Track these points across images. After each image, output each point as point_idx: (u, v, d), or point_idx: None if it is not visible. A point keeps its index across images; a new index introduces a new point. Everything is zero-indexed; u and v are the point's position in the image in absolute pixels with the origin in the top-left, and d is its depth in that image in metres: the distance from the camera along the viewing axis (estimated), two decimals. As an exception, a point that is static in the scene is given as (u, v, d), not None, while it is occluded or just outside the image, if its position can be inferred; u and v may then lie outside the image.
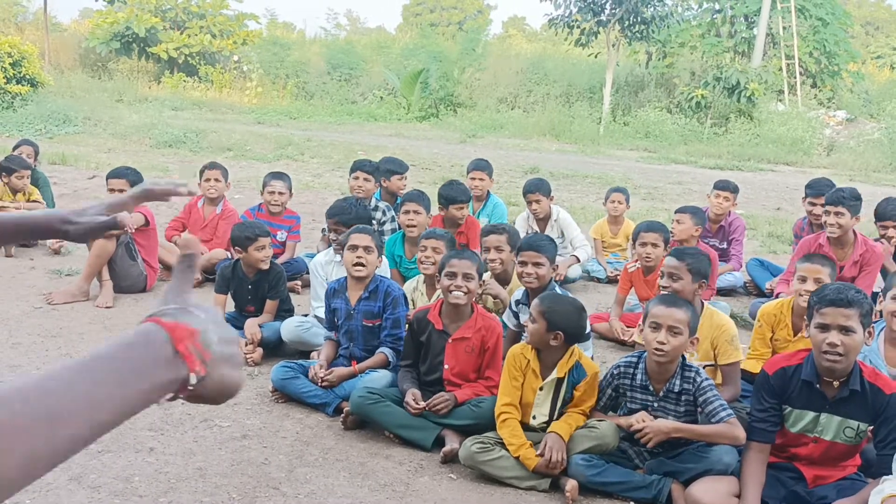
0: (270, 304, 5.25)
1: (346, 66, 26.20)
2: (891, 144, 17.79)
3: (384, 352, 4.39)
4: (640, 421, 3.52)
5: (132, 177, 6.05)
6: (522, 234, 6.12)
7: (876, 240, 6.05)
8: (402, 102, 23.87)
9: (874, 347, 3.82)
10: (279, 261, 6.43)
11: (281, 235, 6.69)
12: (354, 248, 4.45)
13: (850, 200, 5.75)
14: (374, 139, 17.27)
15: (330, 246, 5.45)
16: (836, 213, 5.72)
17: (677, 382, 3.55)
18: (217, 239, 6.76)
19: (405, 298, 4.67)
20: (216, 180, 6.82)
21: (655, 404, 3.62)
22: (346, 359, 4.53)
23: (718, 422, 3.43)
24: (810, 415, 3.34)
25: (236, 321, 5.20)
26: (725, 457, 3.40)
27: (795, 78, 21.40)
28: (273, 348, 5.05)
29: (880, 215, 6.02)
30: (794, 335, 4.36)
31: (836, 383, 3.27)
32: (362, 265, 4.44)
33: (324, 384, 4.24)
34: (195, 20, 25.73)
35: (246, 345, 4.91)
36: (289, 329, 5.01)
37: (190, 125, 16.78)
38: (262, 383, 4.58)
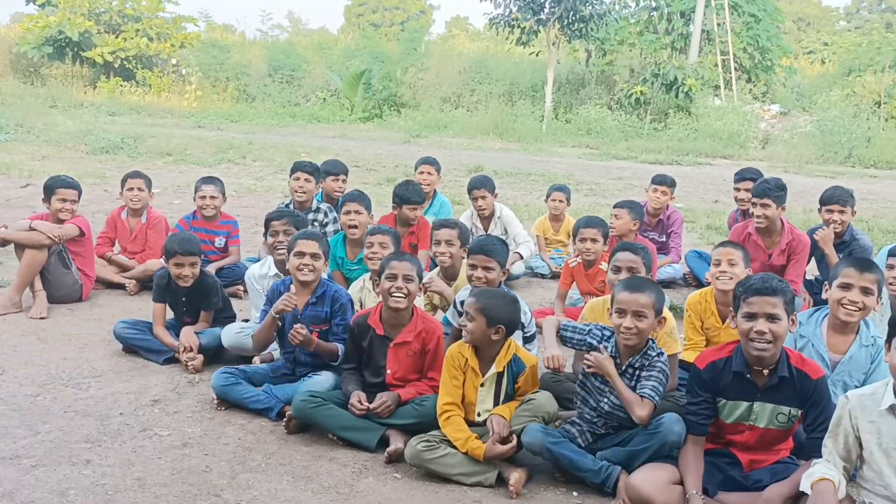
0: (206, 315, 5.17)
1: (288, 68, 25.95)
2: (822, 136, 18.31)
3: (338, 345, 4.36)
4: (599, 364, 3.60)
5: (79, 187, 6.10)
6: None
7: (818, 226, 6.22)
8: (346, 103, 23.75)
9: (817, 334, 3.91)
10: (219, 265, 6.36)
11: (219, 242, 6.59)
12: (301, 254, 4.40)
13: (776, 191, 5.91)
14: (317, 141, 17.15)
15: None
16: (763, 205, 5.88)
17: (638, 358, 3.62)
18: (149, 249, 6.61)
19: (352, 304, 4.64)
20: (139, 189, 6.62)
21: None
22: (290, 363, 4.49)
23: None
24: (744, 405, 3.42)
25: (175, 329, 5.11)
26: (676, 426, 3.46)
27: (731, 73, 21.89)
28: (214, 354, 4.98)
29: (825, 200, 6.16)
30: (722, 322, 4.47)
31: (765, 372, 3.35)
32: (310, 271, 4.40)
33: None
34: (131, 23, 25.15)
35: (183, 352, 4.83)
36: (229, 335, 4.94)
37: (127, 130, 16.43)
38: (203, 390, 4.51)
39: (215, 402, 4.29)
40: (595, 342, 3.72)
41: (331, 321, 4.44)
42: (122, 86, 23.89)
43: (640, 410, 3.49)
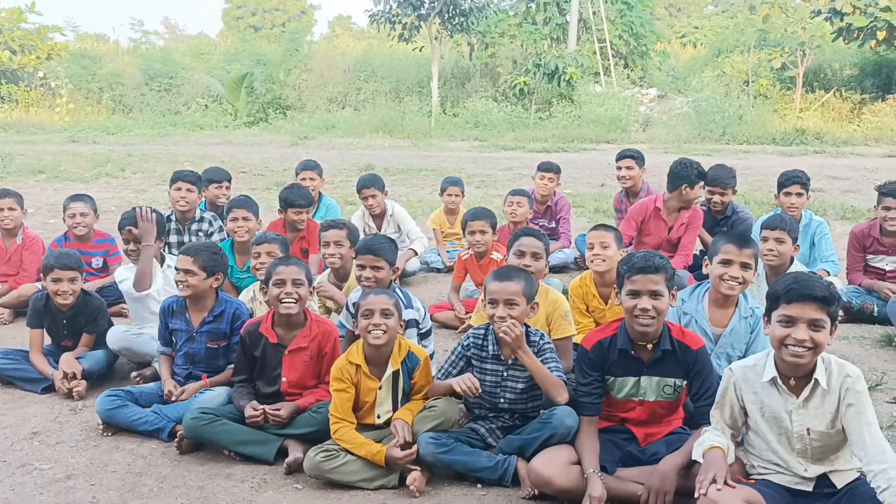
0: (87, 338, 4.89)
1: (165, 76, 25.10)
2: (698, 116, 19.09)
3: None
4: (510, 328, 3.53)
5: None
6: (359, 232, 6.07)
7: (701, 204, 6.49)
8: (229, 109, 23.15)
9: (700, 309, 4.03)
10: (99, 285, 6.04)
11: (96, 262, 6.25)
12: (177, 269, 4.24)
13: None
14: (200, 149, 16.63)
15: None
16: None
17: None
18: (24, 272, 6.23)
19: (251, 317, 4.49)
20: (10, 209, 6.24)
21: (506, 373, 3.70)
22: (185, 380, 4.31)
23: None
24: (631, 380, 3.50)
25: (53, 356, 4.83)
26: (567, 419, 3.50)
27: (609, 60, 22.53)
28: (98, 378, 4.72)
29: (710, 180, 6.40)
30: (605, 302, 4.57)
31: (649, 346, 3.45)
32: (186, 286, 4.24)
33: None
34: (-10, 36, 23.74)
35: (63, 379, 4.56)
36: (116, 337, 4.74)
37: (-6, 149, 15.49)
38: (87, 417, 4.28)
39: (101, 427, 4.07)
40: (471, 352, 3.73)
41: (230, 338, 4.30)
42: (-15, 102, 22.55)
43: (559, 389, 3.55)
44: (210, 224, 6.35)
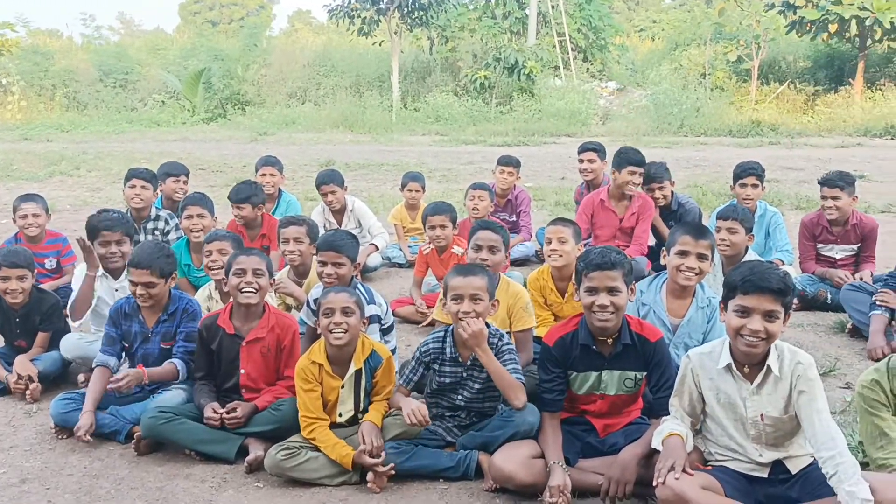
0: (42, 338, 4.77)
1: (120, 72, 24.69)
2: (656, 109, 19.31)
3: (174, 362, 4.11)
4: (470, 323, 3.51)
5: None
6: (320, 228, 6.03)
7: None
8: (186, 105, 22.85)
9: (658, 300, 4.07)
10: (53, 287, 5.90)
11: (49, 263, 6.10)
12: (133, 283, 4.13)
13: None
14: (157, 146, 16.40)
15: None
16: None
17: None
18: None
19: (202, 313, 4.40)
20: None
21: (464, 374, 3.69)
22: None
23: None
24: (593, 375, 3.52)
25: (6, 357, 4.71)
26: (529, 417, 3.52)
27: (568, 54, 22.67)
28: (54, 380, 4.63)
29: (646, 178, 6.46)
30: (562, 296, 4.60)
31: (609, 341, 3.48)
32: (147, 297, 4.14)
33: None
34: (-64, 33, 23.15)
35: (17, 382, 4.46)
36: (69, 346, 4.62)
37: (-58, 148, 15.12)
38: (42, 420, 4.18)
39: (54, 430, 3.99)
40: (430, 358, 3.72)
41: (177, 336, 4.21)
42: (-68, 101, 21.98)
43: (517, 391, 3.52)
44: (166, 222, 6.25)
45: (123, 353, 4.28)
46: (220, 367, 4.03)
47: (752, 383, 3.06)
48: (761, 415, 3.06)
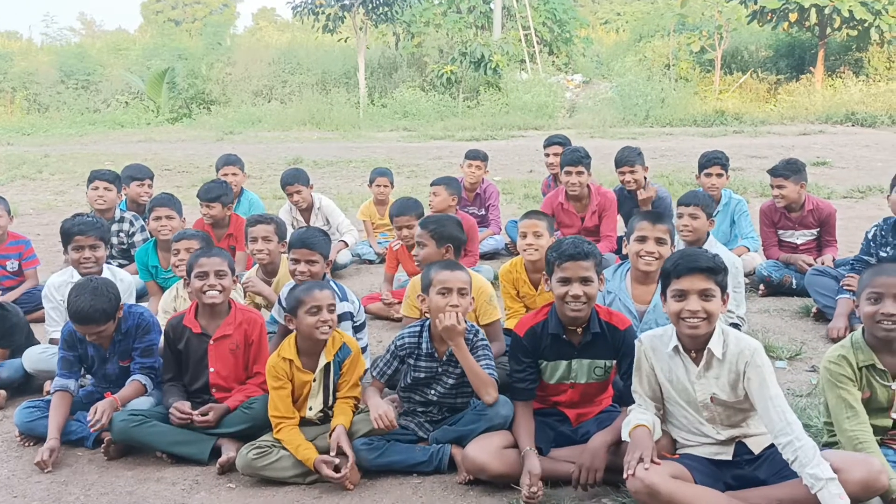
0: (1, 352, 4.65)
1: (82, 73, 24.28)
2: (622, 101, 19.45)
3: (137, 379, 4.00)
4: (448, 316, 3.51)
5: None
6: (287, 227, 5.99)
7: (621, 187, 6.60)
8: (150, 105, 22.55)
9: (622, 288, 4.12)
10: (15, 293, 5.80)
11: (11, 265, 5.98)
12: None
13: (586, 158, 6.22)
14: (122, 147, 16.17)
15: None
16: (577, 172, 6.16)
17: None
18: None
19: (157, 325, 4.23)
20: None
21: (439, 369, 3.69)
22: (103, 386, 4.12)
23: None
24: (563, 364, 3.55)
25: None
26: (502, 409, 3.53)
27: (534, 47, 22.74)
28: (18, 388, 4.55)
29: (617, 162, 6.54)
30: (535, 289, 4.62)
31: (579, 330, 3.50)
32: (97, 339, 4.00)
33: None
34: None
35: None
36: (32, 358, 4.52)
37: None
38: (8, 428, 4.11)
39: (19, 438, 3.93)
40: (405, 352, 3.71)
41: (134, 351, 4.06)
42: None
43: (490, 388, 3.53)
44: (131, 224, 6.19)
45: (84, 372, 4.13)
46: (188, 367, 4.00)
47: (698, 366, 3.12)
48: (711, 397, 3.12)
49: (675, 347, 3.14)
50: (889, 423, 3.25)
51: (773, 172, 6.05)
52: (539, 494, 3.20)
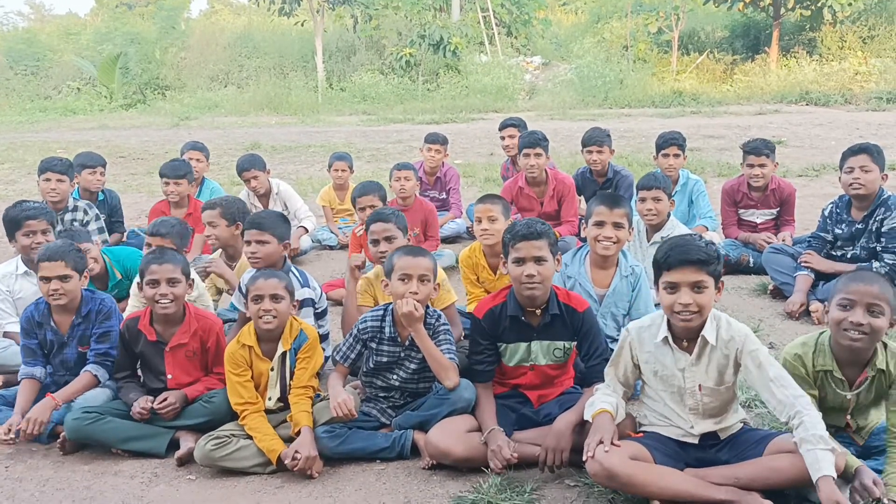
0: None
1: (31, 59, 23.71)
2: (581, 83, 19.49)
3: (90, 370, 3.91)
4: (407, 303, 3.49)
5: None
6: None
7: (585, 168, 6.67)
8: (103, 91, 22.07)
9: (582, 272, 4.13)
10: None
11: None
12: (46, 279, 3.88)
13: (544, 141, 6.21)
14: (74, 134, 15.80)
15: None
16: (535, 154, 6.15)
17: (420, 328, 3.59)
18: None
19: (118, 313, 4.15)
20: None
21: (402, 354, 3.67)
22: (59, 380, 4.03)
23: None
24: (523, 346, 3.55)
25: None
26: (465, 393, 3.52)
27: (492, 29, 22.67)
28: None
29: (584, 141, 6.57)
30: (494, 273, 4.61)
31: (538, 312, 3.51)
32: (62, 294, 3.91)
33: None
34: None
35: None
36: None
37: None
38: (-41, 425, 4.00)
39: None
40: (368, 336, 3.68)
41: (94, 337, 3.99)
42: None
43: (450, 372, 3.51)
44: (85, 213, 6.04)
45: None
46: (146, 371, 3.94)
47: (690, 355, 3.09)
48: (699, 385, 3.10)
49: (665, 338, 3.11)
50: (843, 423, 3.24)
51: (755, 151, 6.02)
52: (514, 458, 3.22)
